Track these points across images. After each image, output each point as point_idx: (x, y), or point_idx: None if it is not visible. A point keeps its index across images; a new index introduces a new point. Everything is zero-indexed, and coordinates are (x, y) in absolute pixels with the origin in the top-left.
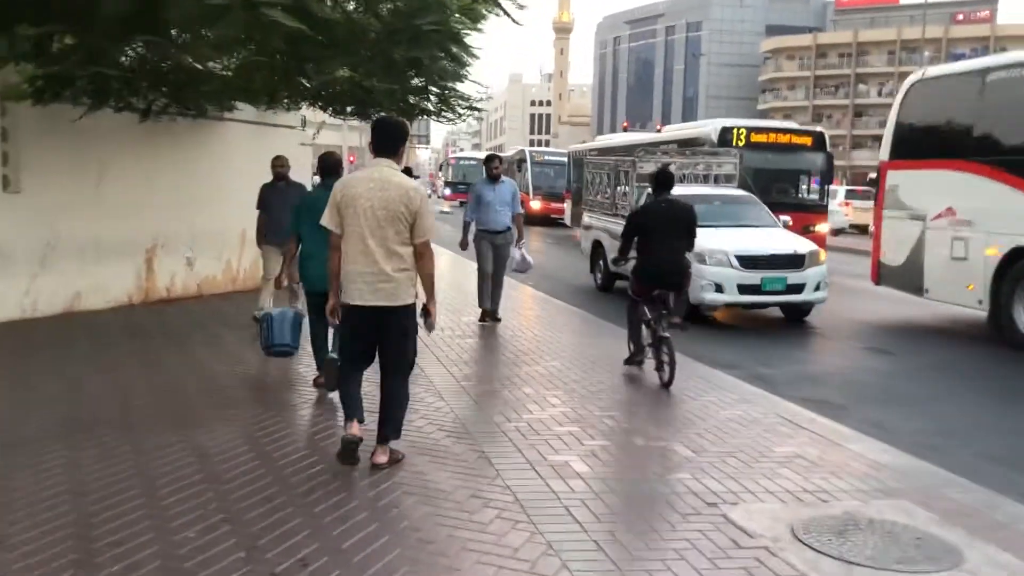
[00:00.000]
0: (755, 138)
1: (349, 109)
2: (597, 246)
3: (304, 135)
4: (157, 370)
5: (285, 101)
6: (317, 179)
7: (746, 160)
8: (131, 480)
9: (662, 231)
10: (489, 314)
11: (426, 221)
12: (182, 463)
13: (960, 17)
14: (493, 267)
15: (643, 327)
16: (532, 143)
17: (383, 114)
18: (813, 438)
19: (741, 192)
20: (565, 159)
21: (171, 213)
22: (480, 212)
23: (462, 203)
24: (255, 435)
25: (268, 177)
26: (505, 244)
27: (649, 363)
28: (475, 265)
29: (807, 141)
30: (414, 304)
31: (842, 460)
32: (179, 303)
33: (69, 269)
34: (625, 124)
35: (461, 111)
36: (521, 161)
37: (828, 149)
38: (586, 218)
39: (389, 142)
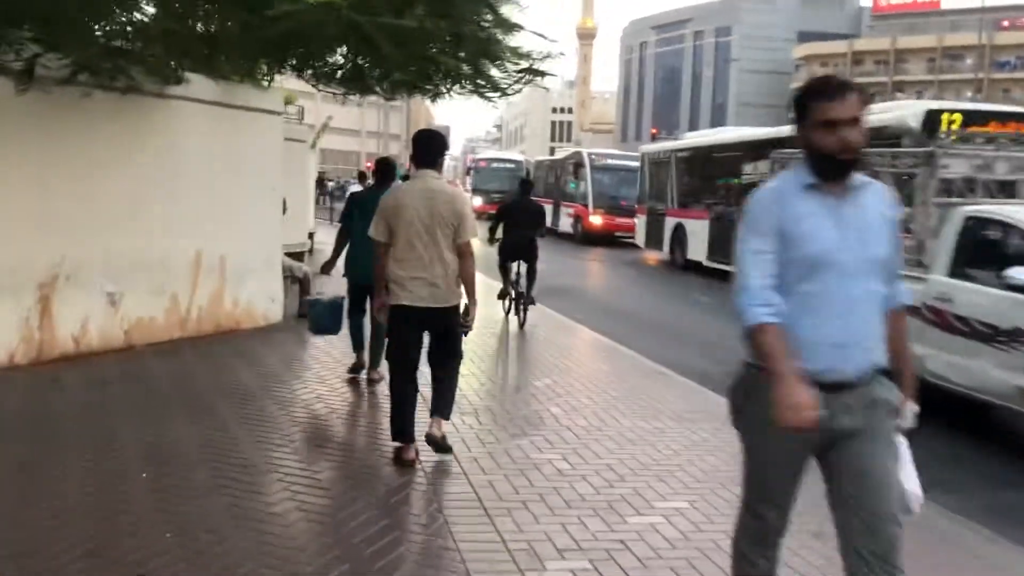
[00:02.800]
0: (974, 127)
1: (339, 74)
2: None
3: (301, 130)
4: None
5: (237, 60)
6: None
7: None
8: None
9: (520, 221)
10: None
11: (469, 223)
12: None
13: (1005, 23)
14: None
15: (509, 288)
16: (552, 151)
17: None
18: None
19: None
20: (635, 163)
21: (82, 230)
22: (793, 304)
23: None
24: None
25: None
26: (882, 438)
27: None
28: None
29: None
30: (458, 305)
31: None
32: (94, 360)
33: None
34: (654, 131)
35: (511, 81)
36: (578, 166)
37: None
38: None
39: (430, 154)
